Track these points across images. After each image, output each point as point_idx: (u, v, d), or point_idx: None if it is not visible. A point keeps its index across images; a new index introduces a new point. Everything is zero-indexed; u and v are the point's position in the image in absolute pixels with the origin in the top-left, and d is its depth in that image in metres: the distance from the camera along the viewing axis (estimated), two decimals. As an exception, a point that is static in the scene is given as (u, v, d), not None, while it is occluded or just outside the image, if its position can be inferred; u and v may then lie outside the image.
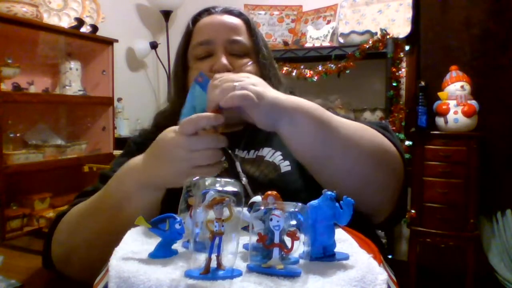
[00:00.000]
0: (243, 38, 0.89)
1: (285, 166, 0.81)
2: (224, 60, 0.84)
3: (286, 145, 0.67)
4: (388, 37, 2.29)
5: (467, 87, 2.19)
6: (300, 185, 0.77)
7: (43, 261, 0.80)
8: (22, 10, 1.86)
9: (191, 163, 0.60)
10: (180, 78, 0.93)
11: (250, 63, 0.88)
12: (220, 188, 0.45)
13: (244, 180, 0.76)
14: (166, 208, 0.71)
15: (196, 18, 0.93)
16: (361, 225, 0.57)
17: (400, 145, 0.77)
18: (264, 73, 0.89)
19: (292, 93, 0.91)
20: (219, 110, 0.62)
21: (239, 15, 0.92)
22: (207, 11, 0.93)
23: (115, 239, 0.54)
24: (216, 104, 0.61)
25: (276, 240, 0.44)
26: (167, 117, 0.90)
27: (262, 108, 0.61)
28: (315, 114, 0.64)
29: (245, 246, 0.50)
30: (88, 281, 0.65)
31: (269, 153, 0.84)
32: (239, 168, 0.80)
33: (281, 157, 0.82)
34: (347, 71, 2.36)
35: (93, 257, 0.65)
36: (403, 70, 2.36)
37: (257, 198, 0.53)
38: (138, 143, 0.91)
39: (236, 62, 0.86)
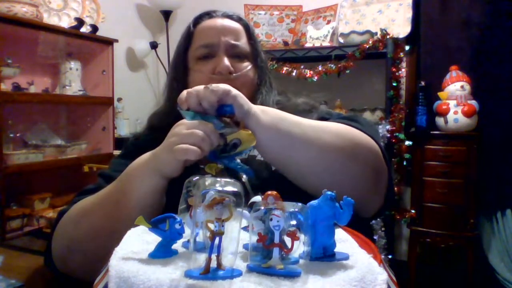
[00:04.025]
0: (243, 42, 0.92)
1: None
2: (226, 62, 0.87)
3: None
4: (388, 37, 2.29)
5: (467, 87, 2.19)
6: (291, 183, 0.77)
7: (44, 259, 0.80)
8: (22, 10, 1.86)
9: (180, 138, 0.64)
10: (180, 78, 0.94)
11: (249, 66, 0.91)
12: (220, 188, 0.45)
13: (244, 177, 0.77)
14: (166, 208, 0.71)
15: (197, 21, 0.95)
16: (358, 226, 0.57)
17: (375, 134, 0.78)
18: (261, 77, 0.94)
19: (284, 93, 0.97)
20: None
21: (238, 20, 0.95)
22: (208, 15, 0.96)
23: (121, 227, 0.56)
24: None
25: (276, 240, 0.44)
26: (161, 118, 0.92)
27: (235, 95, 0.64)
28: (267, 114, 0.69)
29: (245, 246, 0.50)
30: (87, 278, 0.65)
31: None
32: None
33: None
34: (347, 71, 2.36)
35: (98, 246, 0.67)
36: (403, 70, 2.36)
37: (257, 198, 0.53)
38: (135, 145, 0.93)
39: (237, 65, 0.89)
